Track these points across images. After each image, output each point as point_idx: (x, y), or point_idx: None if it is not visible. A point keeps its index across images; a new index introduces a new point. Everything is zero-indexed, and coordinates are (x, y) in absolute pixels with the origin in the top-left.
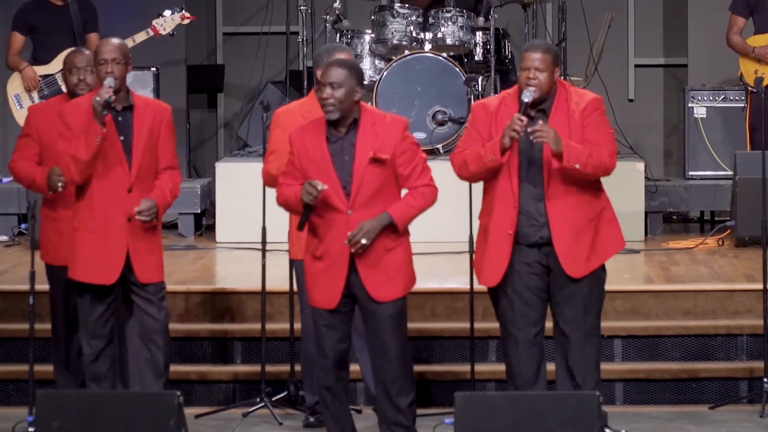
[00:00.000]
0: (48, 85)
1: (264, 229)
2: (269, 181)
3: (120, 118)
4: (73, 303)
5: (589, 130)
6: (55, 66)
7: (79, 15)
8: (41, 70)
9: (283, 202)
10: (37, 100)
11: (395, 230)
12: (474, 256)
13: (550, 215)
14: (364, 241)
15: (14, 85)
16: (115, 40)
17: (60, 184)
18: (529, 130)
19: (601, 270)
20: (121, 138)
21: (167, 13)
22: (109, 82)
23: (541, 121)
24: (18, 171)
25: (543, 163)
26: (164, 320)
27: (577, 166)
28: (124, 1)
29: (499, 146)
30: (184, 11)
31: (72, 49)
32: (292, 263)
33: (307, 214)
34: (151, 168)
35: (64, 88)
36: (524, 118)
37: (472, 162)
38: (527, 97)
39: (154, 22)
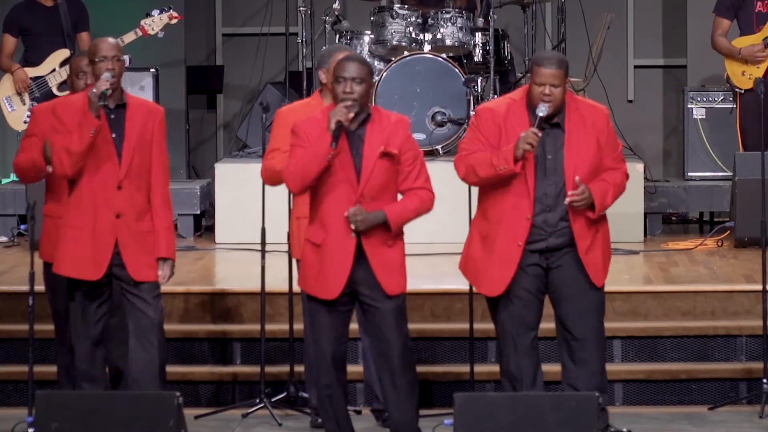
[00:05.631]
0: (39, 87)
1: (263, 229)
2: (272, 177)
3: (113, 116)
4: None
5: (608, 151)
6: (46, 68)
7: (68, 16)
8: (32, 71)
9: (300, 165)
10: (28, 102)
11: (388, 230)
12: (467, 263)
13: (574, 225)
14: (354, 227)
15: (5, 88)
16: (113, 39)
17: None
18: (567, 201)
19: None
20: (113, 135)
21: (155, 12)
22: (107, 76)
23: (582, 186)
24: (20, 164)
25: (564, 176)
26: (159, 319)
27: (605, 212)
28: (113, 1)
29: (512, 156)
30: (171, 11)
31: (75, 54)
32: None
33: (339, 131)
34: (142, 166)
35: (55, 90)
36: (539, 133)
37: (481, 168)
38: (542, 111)
39: (142, 22)
